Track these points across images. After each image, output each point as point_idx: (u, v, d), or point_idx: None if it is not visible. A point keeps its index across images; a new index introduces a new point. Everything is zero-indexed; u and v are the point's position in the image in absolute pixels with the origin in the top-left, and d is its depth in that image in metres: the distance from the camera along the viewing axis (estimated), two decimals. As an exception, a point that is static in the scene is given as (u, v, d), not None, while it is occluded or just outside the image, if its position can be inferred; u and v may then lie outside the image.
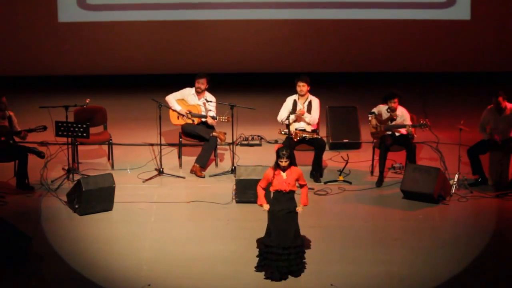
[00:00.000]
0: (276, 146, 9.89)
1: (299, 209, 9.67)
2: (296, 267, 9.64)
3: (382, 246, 10.46)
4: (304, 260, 9.76)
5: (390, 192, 12.03)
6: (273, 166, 9.70)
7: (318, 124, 12.63)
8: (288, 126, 12.18)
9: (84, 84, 16.57)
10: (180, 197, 11.82)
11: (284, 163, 9.59)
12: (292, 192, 9.67)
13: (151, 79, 16.76)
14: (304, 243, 9.84)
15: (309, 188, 11.95)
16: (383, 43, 16.85)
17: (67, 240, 10.58)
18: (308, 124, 12.39)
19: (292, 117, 12.06)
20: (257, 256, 9.78)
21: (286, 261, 9.58)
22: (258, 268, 9.73)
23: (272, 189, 9.71)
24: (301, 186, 9.84)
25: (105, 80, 16.79)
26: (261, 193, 9.75)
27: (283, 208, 9.62)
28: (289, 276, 9.62)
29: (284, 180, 9.63)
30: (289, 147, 9.80)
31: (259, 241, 9.93)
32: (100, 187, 11.22)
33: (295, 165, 9.79)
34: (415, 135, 12.25)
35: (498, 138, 11.99)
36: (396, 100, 12.19)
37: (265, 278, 9.61)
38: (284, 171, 9.64)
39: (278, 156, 9.62)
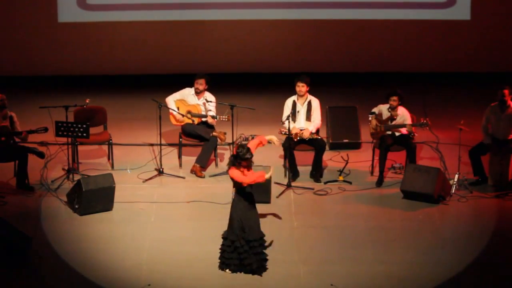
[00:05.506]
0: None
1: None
2: (256, 265, 9.59)
3: (382, 246, 10.46)
4: (266, 257, 9.72)
5: (390, 192, 12.02)
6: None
7: (318, 124, 12.65)
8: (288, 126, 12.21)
9: (84, 84, 16.56)
10: (180, 197, 11.82)
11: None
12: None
13: (151, 79, 16.75)
14: (263, 238, 9.76)
15: (309, 188, 12.04)
16: (383, 43, 16.84)
17: (67, 240, 10.58)
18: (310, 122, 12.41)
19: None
20: (220, 253, 9.78)
21: (247, 255, 9.56)
22: (222, 266, 9.73)
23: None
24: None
25: (105, 80, 16.78)
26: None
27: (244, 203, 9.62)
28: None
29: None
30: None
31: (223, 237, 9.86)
32: (100, 187, 11.21)
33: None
34: (416, 134, 12.25)
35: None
36: (396, 98, 12.17)
37: (232, 272, 9.67)
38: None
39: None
